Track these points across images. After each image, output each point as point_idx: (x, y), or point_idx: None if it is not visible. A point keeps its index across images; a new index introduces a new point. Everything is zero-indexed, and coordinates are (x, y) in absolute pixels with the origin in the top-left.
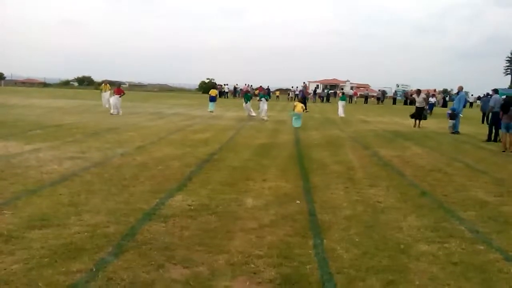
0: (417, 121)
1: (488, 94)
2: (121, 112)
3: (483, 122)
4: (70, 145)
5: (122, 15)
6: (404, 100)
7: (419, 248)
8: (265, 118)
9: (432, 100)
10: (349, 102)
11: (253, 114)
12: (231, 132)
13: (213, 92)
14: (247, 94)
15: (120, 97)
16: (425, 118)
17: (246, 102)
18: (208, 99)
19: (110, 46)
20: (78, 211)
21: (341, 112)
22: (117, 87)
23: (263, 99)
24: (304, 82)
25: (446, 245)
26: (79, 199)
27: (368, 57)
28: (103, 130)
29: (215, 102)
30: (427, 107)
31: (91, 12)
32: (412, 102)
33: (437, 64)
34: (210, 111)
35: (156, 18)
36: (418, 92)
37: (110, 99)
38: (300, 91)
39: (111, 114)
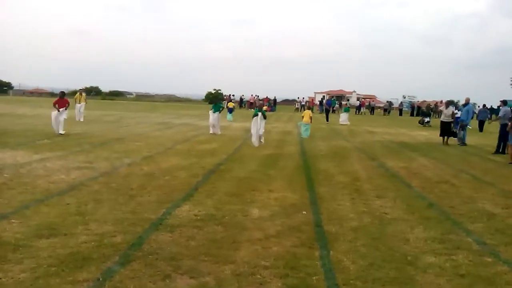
0: (445, 138)
1: (484, 105)
2: (61, 129)
3: (480, 130)
4: (77, 155)
5: (129, 25)
6: (411, 111)
7: (426, 260)
8: (262, 141)
9: (458, 113)
10: (356, 113)
11: (218, 132)
12: (237, 143)
13: (231, 104)
14: (217, 104)
15: (65, 109)
16: (455, 135)
17: (214, 112)
18: (227, 111)
19: (117, 56)
20: (85, 221)
21: (344, 120)
22: (60, 97)
23: (259, 114)
24: (324, 96)
25: (453, 257)
26: (87, 209)
27: (374, 67)
28: (110, 140)
29: (232, 114)
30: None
31: (98, 22)
32: (432, 114)
33: (443, 75)
34: (230, 121)
35: (163, 28)
36: (447, 104)
37: (52, 114)
38: (326, 101)
39: (60, 133)
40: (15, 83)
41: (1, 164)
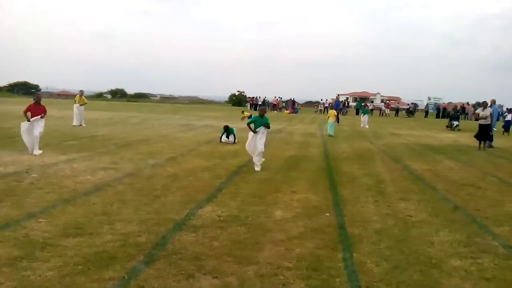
0: (482, 143)
1: (511, 109)
2: (37, 148)
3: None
4: (103, 156)
5: (153, 28)
6: (436, 113)
7: (451, 263)
8: (258, 164)
9: (508, 116)
10: (380, 115)
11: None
12: None
13: (246, 114)
14: (230, 128)
15: (42, 117)
16: (491, 139)
17: (227, 136)
18: (248, 118)
19: (141, 58)
20: (111, 220)
21: (363, 123)
22: (34, 103)
23: (259, 129)
24: (337, 95)
25: (478, 260)
26: (112, 209)
27: (399, 69)
28: (135, 142)
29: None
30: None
31: (123, 25)
32: (460, 116)
33: (469, 76)
34: None
35: (186, 30)
36: (485, 105)
37: (22, 126)
38: (333, 103)
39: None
40: (42, 85)
41: (29, 164)
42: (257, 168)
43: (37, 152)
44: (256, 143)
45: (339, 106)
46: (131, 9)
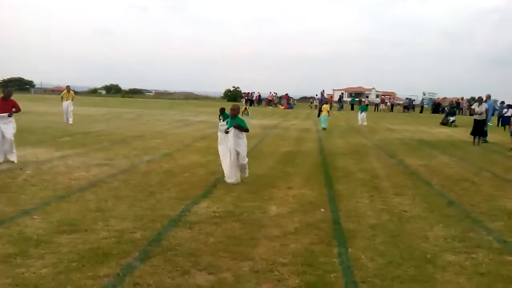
0: (477, 138)
1: (503, 102)
2: (14, 156)
3: (498, 125)
4: (97, 152)
5: (149, 25)
6: (432, 109)
7: (446, 258)
8: (245, 174)
9: (508, 112)
10: (375, 110)
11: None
12: (255, 140)
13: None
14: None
15: (10, 116)
16: (485, 135)
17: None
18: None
19: (137, 54)
20: (106, 217)
21: (361, 120)
22: (2, 98)
23: (231, 130)
24: (322, 90)
25: (473, 255)
26: (107, 205)
27: (394, 64)
28: (130, 138)
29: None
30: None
31: (120, 21)
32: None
33: (464, 71)
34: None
35: (182, 27)
36: (480, 100)
37: None
38: (320, 99)
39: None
40: (36, 81)
41: (23, 161)
42: (230, 180)
43: (14, 158)
44: (233, 150)
45: (323, 101)
46: (127, 5)
